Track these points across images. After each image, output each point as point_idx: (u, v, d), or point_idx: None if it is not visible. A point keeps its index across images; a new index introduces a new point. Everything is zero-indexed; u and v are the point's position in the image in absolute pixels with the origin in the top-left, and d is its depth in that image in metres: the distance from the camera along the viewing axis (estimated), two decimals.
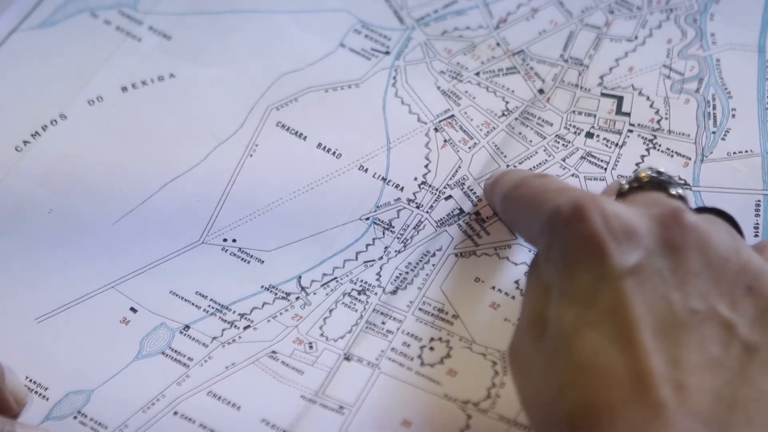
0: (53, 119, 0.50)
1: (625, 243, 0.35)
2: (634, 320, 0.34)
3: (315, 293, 0.46)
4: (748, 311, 0.35)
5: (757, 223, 0.47)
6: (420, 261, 0.47)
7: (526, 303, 0.38)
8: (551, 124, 0.50)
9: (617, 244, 0.35)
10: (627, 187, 0.40)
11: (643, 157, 0.49)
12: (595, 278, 0.35)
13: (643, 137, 0.50)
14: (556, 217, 0.37)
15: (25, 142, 0.49)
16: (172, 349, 0.45)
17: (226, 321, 0.45)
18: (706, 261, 0.36)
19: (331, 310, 0.46)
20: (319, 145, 0.49)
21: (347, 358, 0.45)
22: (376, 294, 0.46)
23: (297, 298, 0.46)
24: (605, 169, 0.49)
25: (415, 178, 0.49)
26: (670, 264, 0.35)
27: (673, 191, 0.39)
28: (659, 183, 0.39)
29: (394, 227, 0.48)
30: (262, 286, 0.46)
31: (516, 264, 0.47)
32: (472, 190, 0.48)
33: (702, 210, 0.41)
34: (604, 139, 0.50)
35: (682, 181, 0.39)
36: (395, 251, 0.47)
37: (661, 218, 0.36)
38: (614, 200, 0.38)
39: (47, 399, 0.44)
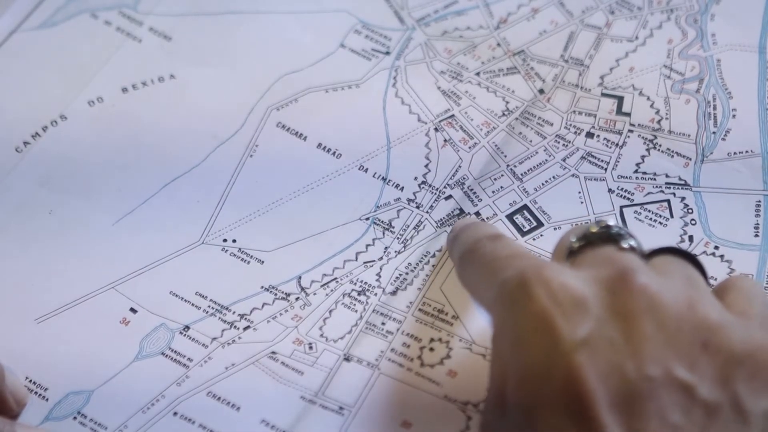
0: (53, 120, 0.50)
1: (574, 315, 0.34)
2: (589, 395, 0.33)
3: (315, 294, 0.46)
4: (706, 370, 0.34)
5: (758, 224, 0.47)
6: (420, 261, 0.47)
7: (490, 377, 0.37)
8: (551, 124, 0.50)
9: (565, 318, 0.34)
10: (577, 245, 0.38)
11: (643, 157, 0.49)
12: (546, 354, 0.34)
13: (643, 137, 0.50)
14: (504, 293, 0.36)
15: (26, 143, 0.49)
16: (172, 350, 0.45)
17: (225, 321, 0.45)
18: (659, 323, 0.35)
19: (330, 311, 0.46)
20: (320, 145, 0.49)
21: (347, 358, 0.45)
22: (375, 294, 0.46)
23: (297, 299, 0.46)
24: (605, 169, 0.49)
25: (415, 178, 0.49)
26: (621, 331, 0.34)
27: (624, 244, 0.38)
28: (609, 237, 0.38)
29: (394, 227, 0.48)
30: (262, 287, 0.46)
31: None
32: (472, 189, 0.48)
33: (658, 252, 0.39)
34: (605, 139, 0.50)
35: (632, 234, 0.38)
36: (395, 251, 0.47)
37: (609, 282, 0.35)
38: (561, 266, 0.37)
39: (47, 399, 0.44)
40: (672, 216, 0.48)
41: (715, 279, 0.46)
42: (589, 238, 0.38)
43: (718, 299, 0.37)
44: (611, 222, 0.39)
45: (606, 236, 0.38)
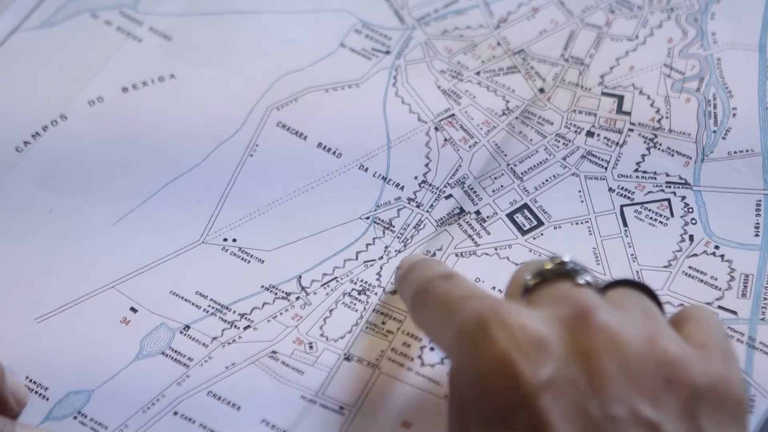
0: (54, 120, 0.50)
1: (536, 356, 0.34)
2: None
3: (315, 293, 0.46)
4: (671, 406, 0.34)
5: (758, 223, 0.47)
6: None
7: (450, 417, 0.37)
8: (552, 123, 0.50)
9: (527, 360, 0.34)
10: (532, 282, 0.38)
11: (643, 156, 0.49)
12: (509, 399, 0.34)
13: (643, 136, 0.50)
14: (462, 335, 0.35)
15: (26, 143, 0.49)
16: (173, 349, 0.45)
17: (226, 321, 0.45)
18: (621, 361, 0.34)
19: (331, 310, 0.46)
20: (320, 144, 0.49)
21: (347, 358, 0.45)
22: (376, 294, 0.46)
23: (297, 298, 0.46)
24: (606, 168, 0.49)
25: (416, 177, 0.49)
26: (584, 371, 0.34)
27: (580, 280, 0.37)
28: (564, 273, 0.38)
29: (394, 226, 0.48)
30: (263, 286, 0.46)
31: (516, 264, 0.47)
32: (472, 189, 0.48)
33: (613, 285, 0.39)
34: (605, 138, 0.50)
35: (587, 269, 0.38)
36: (395, 251, 0.47)
37: (569, 321, 0.35)
38: (519, 306, 0.37)
39: (47, 399, 0.44)
40: (672, 215, 0.48)
41: (716, 279, 0.46)
42: (544, 275, 0.38)
43: (676, 331, 0.37)
44: (566, 257, 0.38)
45: (561, 272, 0.38)
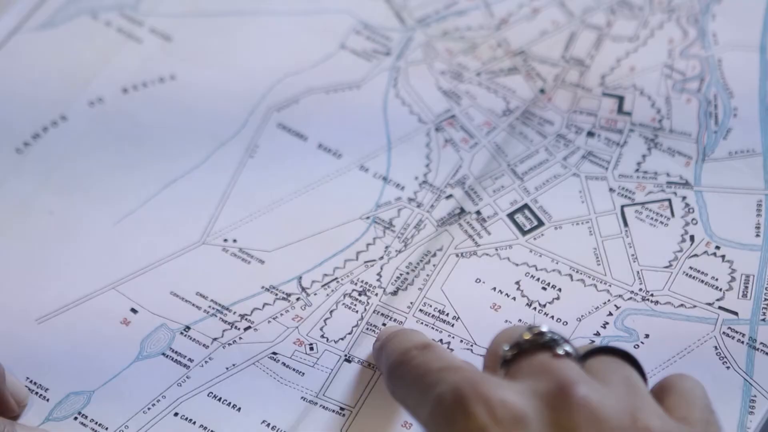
0: (54, 120, 0.50)
1: None
2: None
3: (315, 294, 0.46)
4: None
5: (759, 223, 0.47)
6: (421, 261, 0.47)
7: None
8: (552, 124, 0.50)
9: None
10: (510, 354, 0.37)
11: (644, 156, 0.49)
12: None
13: (644, 136, 0.50)
14: (439, 409, 0.35)
15: (26, 144, 0.49)
16: (173, 350, 0.45)
17: (226, 322, 0.45)
18: None
19: (331, 311, 0.46)
20: (320, 145, 0.49)
21: (348, 359, 0.45)
22: (376, 295, 0.46)
23: (297, 299, 0.46)
24: (606, 168, 0.49)
25: (416, 178, 0.49)
26: None
27: (559, 351, 0.36)
28: (543, 345, 0.37)
29: (394, 226, 0.47)
30: (263, 287, 0.46)
31: (517, 265, 0.47)
32: (473, 189, 0.48)
33: (593, 353, 0.37)
34: (606, 138, 0.50)
35: (566, 339, 0.37)
36: (396, 251, 0.47)
37: (549, 397, 0.34)
38: (497, 379, 0.36)
39: (48, 400, 0.43)
40: (673, 215, 0.48)
41: (717, 279, 0.46)
42: (522, 346, 0.37)
43: (658, 401, 0.36)
44: (544, 327, 0.37)
45: (539, 343, 0.37)
